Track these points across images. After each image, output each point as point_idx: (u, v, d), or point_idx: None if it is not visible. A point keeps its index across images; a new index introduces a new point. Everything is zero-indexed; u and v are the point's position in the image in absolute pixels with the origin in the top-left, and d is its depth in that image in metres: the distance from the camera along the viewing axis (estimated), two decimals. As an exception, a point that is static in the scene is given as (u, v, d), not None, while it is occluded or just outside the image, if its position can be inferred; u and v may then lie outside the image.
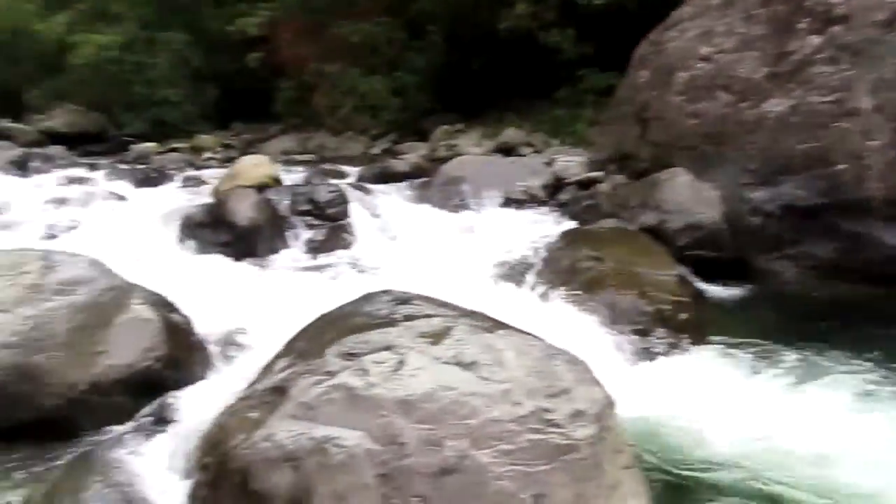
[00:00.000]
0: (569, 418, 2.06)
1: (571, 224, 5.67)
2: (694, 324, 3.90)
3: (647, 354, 3.65)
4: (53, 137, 13.66)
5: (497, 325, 2.57)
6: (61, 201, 6.86)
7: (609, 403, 2.22)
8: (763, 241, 4.70)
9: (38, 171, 9.71)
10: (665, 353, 3.66)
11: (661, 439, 2.82)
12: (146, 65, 14.32)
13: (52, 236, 5.58)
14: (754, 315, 4.28)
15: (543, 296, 4.21)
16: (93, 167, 10.35)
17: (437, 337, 2.37)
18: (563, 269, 4.42)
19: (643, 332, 3.76)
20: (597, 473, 1.99)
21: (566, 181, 6.47)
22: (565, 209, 6.03)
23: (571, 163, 6.81)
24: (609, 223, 5.33)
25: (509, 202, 6.42)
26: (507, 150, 9.40)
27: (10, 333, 2.73)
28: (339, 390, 2.11)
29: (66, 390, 2.77)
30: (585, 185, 6.33)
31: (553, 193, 6.43)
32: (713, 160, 5.08)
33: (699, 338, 3.79)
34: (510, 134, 10.09)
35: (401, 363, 2.20)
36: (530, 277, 4.64)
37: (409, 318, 2.58)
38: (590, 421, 2.08)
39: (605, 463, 2.03)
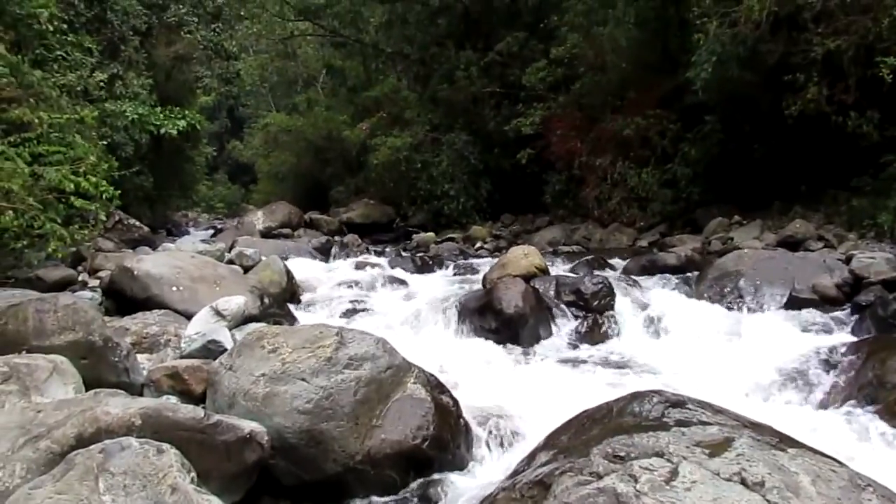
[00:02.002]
0: (886, 569, 1.70)
1: (875, 330, 4.90)
2: None
3: None
4: (349, 227, 15.65)
5: (788, 442, 2.26)
6: (353, 283, 7.76)
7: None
8: None
9: (336, 255, 11.17)
10: None
11: None
12: (430, 163, 15.83)
13: (345, 314, 6.28)
14: None
15: (841, 413, 3.63)
16: (380, 254, 11.63)
17: (715, 448, 2.15)
18: (866, 383, 3.80)
19: (982, 471, 3.03)
20: None
21: (868, 280, 5.64)
22: (867, 312, 5.23)
23: (875, 259, 5.94)
24: (927, 331, 4.52)
25: (795, 301, 5.78)
26: (792, 244, 8.53)
27: (305, 400, 3.04)
28: (605, 495, 1.99)
29: (346, 458, 2.99)
30: (894, 285, 5.46)
31: (851, 294, 5.64)
32: None
33: None
34: (797, 226, 9.16)
35: (674, 473, 2.02)
36: (822, 389, 4.07)
37: (682, 423, 2.38)
38: (915, 577, 1.69)
39: None
